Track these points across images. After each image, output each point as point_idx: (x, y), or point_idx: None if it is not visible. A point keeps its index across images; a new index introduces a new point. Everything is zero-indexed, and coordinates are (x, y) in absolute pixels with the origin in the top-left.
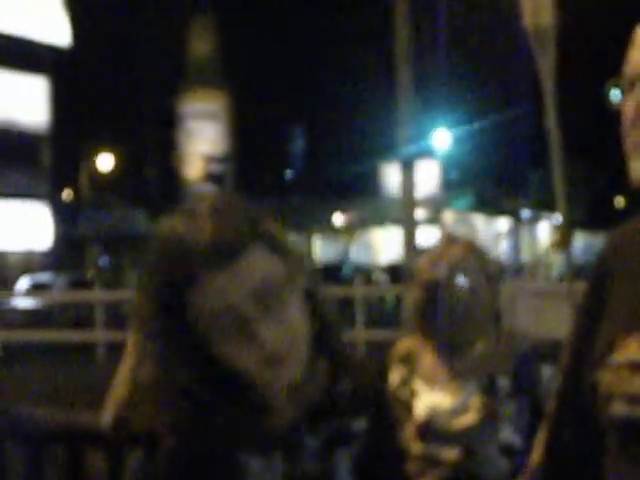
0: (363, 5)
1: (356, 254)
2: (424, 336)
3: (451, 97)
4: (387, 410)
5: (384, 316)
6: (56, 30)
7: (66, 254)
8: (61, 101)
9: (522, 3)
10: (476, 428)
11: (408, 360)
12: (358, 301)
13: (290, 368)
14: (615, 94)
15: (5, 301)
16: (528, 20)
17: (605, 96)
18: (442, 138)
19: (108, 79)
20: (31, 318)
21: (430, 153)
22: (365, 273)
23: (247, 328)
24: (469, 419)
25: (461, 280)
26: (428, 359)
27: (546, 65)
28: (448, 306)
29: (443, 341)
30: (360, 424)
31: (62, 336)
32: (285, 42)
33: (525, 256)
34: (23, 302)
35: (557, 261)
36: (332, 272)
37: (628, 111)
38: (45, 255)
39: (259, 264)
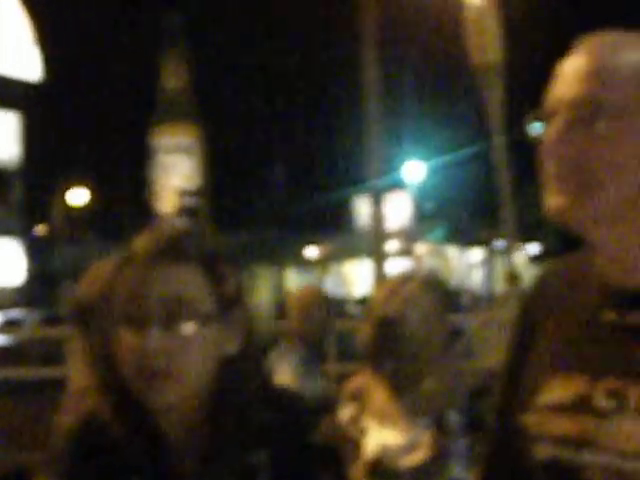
0: (332, 38)
1: (330, 287)
2: (375, 372)
3: (424, 130)
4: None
5: (356, 349)
6: (27, 65)
7: (39, 290)
8: (33, 136)
9: (468, 41)
10: (426, 465)
11: (358, 397)
12: (331, 334)
13: (176, 387)
14: (534, 127)
15: None
16: (475, 57)
17: (525, 129)
18: (415, 170)
19: (80, 114)
20: (2, 355)
21: (401, 185)
22: (338, 306)
23: (139, 329)
24: (419, 456)
25: (413, 317)
26: (379, 396)
27: (494, 101)
28: (398, 343)
29: (393, 378)
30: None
31: (32, 373)
32: (256, 75)
33: (499, 287)
34: None
35: None
36: None
37: (545, 142)
38: (18, 291)
39: (175, 277)
